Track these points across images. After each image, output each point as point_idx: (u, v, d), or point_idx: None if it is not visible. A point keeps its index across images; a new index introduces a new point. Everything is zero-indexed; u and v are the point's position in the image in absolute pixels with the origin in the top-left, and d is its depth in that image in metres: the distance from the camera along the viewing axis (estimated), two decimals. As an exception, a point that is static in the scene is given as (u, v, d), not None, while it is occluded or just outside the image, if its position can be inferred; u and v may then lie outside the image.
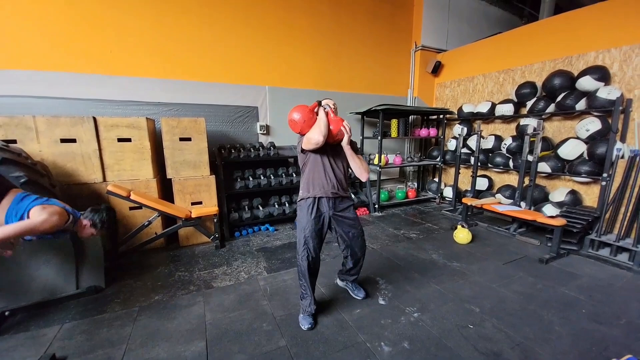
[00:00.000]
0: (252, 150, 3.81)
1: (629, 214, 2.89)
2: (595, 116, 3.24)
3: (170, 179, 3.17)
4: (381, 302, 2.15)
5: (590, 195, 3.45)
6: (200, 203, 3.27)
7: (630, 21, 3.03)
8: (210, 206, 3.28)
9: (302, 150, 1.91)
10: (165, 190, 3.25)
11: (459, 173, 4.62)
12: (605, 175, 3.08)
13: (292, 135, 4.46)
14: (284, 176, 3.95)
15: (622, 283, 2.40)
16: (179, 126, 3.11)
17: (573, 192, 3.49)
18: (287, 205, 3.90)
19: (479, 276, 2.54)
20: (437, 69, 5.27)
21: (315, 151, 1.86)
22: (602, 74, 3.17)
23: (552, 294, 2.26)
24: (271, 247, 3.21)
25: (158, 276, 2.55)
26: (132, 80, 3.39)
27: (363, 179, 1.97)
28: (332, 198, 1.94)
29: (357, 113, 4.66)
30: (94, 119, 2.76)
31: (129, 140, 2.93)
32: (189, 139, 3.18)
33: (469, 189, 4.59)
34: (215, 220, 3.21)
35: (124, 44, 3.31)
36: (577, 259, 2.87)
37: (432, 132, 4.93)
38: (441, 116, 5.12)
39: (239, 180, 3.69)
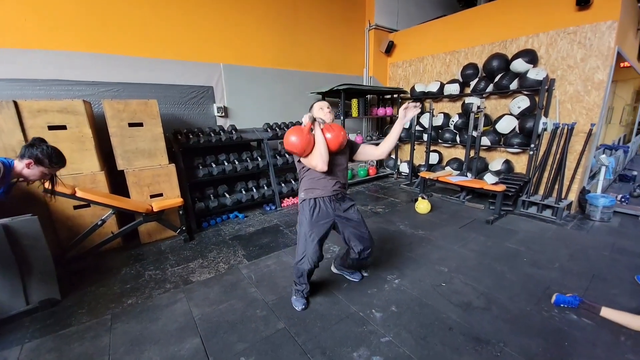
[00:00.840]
0: (213, 135, 3.55)
1: (551, 177, 3.50)
2: (526, 95, 3.75)
3: (122, 171, 2.80)
4: (364, 273, 2.30)
5: (520, 163, 4.05)
6: (161, 195, 2.98)
7: (555, 8, 3.49)
8: (173, 198, 3.02)
9: (300, 160, 1.86)
10: (117, 183, 2.88)
11: (414, 149, 4.99)
12: (532, 145, 3.64)
13: (253, 118, 4.28)
14: (249, 161, 3.79)
15: (550, 234, 2.95)
16: (127, 110, 2.72)
17: (507, 162, 4.07)
18: (254, 190, 3.79)
19: (441, 240, 2.86)
20: (390, 48, 5.44)
21: None
22: (532, 57, 3.65)
23: (500, 248, 2.67)
24: (245, 234, 3.12)
25: (125, 278, 2.31)
26: (56, 55, 2.82)
27: (382, 158, 1.99)
28: (335, 198, 1.87)
29: (318, 93, 4.62)
30: (15, 103, 2.25)
31: (63, 127, 2.49)
32: (140, 124, 2.81)
33: (423, 163, 5.01)
34: (180, 212, 2.98)
35: (44, 10, 2.70)
36: (514, 218, 3.41)
37: (389, 110, 5.18)
38: (396, 95, 5.38)
39: (200, 167, 3.44)
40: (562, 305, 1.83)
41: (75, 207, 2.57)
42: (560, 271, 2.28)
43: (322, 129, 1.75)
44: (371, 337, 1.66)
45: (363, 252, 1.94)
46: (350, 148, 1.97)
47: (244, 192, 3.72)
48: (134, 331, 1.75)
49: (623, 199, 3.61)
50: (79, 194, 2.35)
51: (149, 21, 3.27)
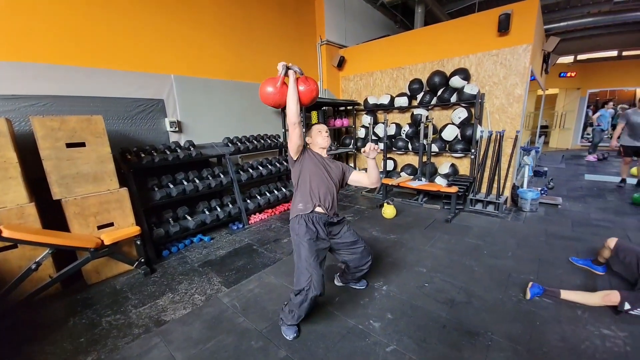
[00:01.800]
0: (169, 152, 3.22)
1: (489, 177, 4.04)
2: (464, 107, 4.30)
3: (59, 200, 2.34)
4: (352, 285, 2.31)
5: (463, 166, 4.59)
6: (112, 225, 2.56)
7: (481, 34, 4.10)
8: (126, 226, 2.62)
9: (296, 159, 1.83)
10: (51, 216, 2.38)
11: (371, 158, 5.26)
12: (473, 150, 4.16)
13: (210, 132, 4.02)
14: (210, 178, 3.53)
15: (497, 227, 3.38)
16: (64, 128, 2.30)
17: (453, 165, 4.57)
18: (219, 209, 3.53)
19: (412, 242, 3.05)
20: (341, 63, 5.71)
21: (310, 160, 1.84)
22: (466, 75, 4.21)
23: (463, 244, 2.96)
24: (216, 258, 2.87)
25: (75, 331, 1.91)
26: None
27: (375, 186, 1.97)
28: (328, 222, 1.84)
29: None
30: None
31: (-25, 152, 1.99)
32: (81, 144, 2.40)
33: (380, 170, 5.30)
34: (138, 242, 2.60)
35: None
36: (466, 215, 3.83)
37: (345, 122, 5.39)
38: (350, 107, 5.64)
39: (156, 189, 3.07)
40: (535, 297, 2.08)
41: (-4, 250, 2.05)
42: (514, 259, 2.63)
43: (296, 79, 1.71)
44: (376, 348, 1.67)
45: (361, 267, 2.00)
46: (343, 173, 1.96)
47: (207, 212, 3.43)
48: (105, 394, 1.45)
49: (542, 192, 4.35)
50: (5, 233, 1.88)
51: (84, 26, 2.85)
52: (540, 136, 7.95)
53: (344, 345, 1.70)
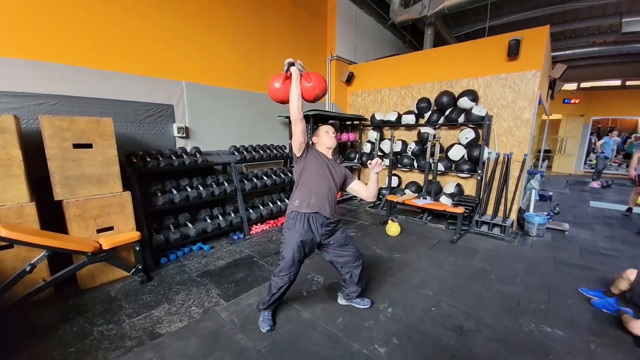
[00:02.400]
0: (175, 158, 3.20)
1: (495, 199, 3.99)
2: (471, 127, 4.30)
3: (60, 201, 2.29)
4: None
5: (469, 187, 4.55)
6: (112, 229, 2.50)
7: (490, 58, 4.16)
8: (126, 231, 2.56)
9: (299, 155, 1.87)
10: (50, 217, 2.32)
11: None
12: (479, 171, 4.13)
13: (216, 140, 4.01)
14: (214, 186, 3.48)
15: (504, 250, 3.31)
16: (72, 128, 2.28)
17: (458, 185, 4.53)
18: (220, 218, 3.46)
19: (418, 263, 2.97)
20: (350, 78, 5.77)
21: (314, 158, 1.87)
22: (474, 96, 4.24)
23: (469, 267, 2.88)
24: (215, 269, 2.79)
25: (65, 339, 1.81)
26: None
27: (370, 200, 2.03)
28: (325, 224, 1.85)
29: (286, 117, 4.58)
30: None
31: (-19, 148, 1.95)
32: (88, 146, 2.37)
33: (384, 186, 5.27)
34: (137, 248, 2.53)
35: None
36: (471, 236, 3.76)
37: (352, 136, 5.40)
38: (357, 122, 5.66)
39: (160, 194, 3.02)
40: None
41: (-10, 250, 1.99)
42: (523, 286, 2.54)
43: (301, 75, 1.76)
44: (382, 376, 1.58)
45: (349, 271, 2.01)
46: (345, 177, 2.02)
47: (209, 220, 3.37)
48: (92, 413, 1.35)
49: (548, 216, 4.30)
50: (2, 232, 1.82)
51: (102, 28, 2.88)
52: (543, 160, 7.96)
53: (348, 371, 1.61)
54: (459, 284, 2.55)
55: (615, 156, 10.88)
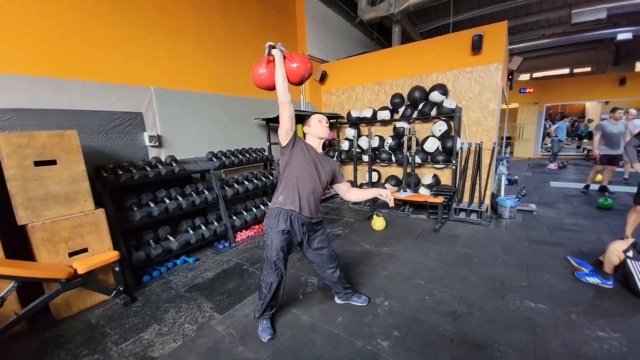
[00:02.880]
0: (149, 168, 3.02)
1: (470, 187, 4.21)
2: (443, 120, 4.49)
3: (25, 226, 2.07)
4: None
5: (445, 177, 4.76)
6: (86, 250, 2.31)
7: (456, 53, 4.36)
8: (102, 251, 2.37)
9: (285, 146, 1.74)
10: (13, 244, 2.09)
11: (356, 170, 5.31)
12: (454, 162, 4.34)
13: (191, 147, 3.84)
14: (194, 195, 3.34)
15: (482, 234, 3.50)
16: (32, 144, 2.07)
17: (435, 176, 4.71)
18: (203, 228, 3.33)
19: (405, 254, 3.05)
20: (323, 77, 5.79)
21: (301, 153, 1.76)
22: (444, 90, 4.43)
23: (454, 254, 3.02)
24: (204, 282, 2.67)
25: (45, 378, 1.65)
26: None
27: (352, 200, 2.07)
28: (307, 223, 1.83)
29: (263, 119, 4.50)
30: None
31: None
32: (52, 162, 2.17)
33: (365, 182, 5.36)
34: (116, 269, 2.36)
35: None
36: (451, 224, 3.93)
37: (331, 134, 5.41)
38: (333, 120, 5.69)
39: (135, 208, 2.84)
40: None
41: (-57, 288, 1.75)
42: (504, 266, 2.71)
43: (284, 57, 1.71)
44: (388, 370, 1.61)
45: (326, 270, 2.01)
46: (333, 175, 1.96)
47: (191, 231, 3.22)
48: None
49: (517, 199, 4.61)
50: (-42, 268, 1.61)
51: (55, 34, 2.64)
52: (506, 146, 8.52)
53: (355, 370, 1.62)
54: (446, 271, 2.66)
55: (566, 139, 11.93)
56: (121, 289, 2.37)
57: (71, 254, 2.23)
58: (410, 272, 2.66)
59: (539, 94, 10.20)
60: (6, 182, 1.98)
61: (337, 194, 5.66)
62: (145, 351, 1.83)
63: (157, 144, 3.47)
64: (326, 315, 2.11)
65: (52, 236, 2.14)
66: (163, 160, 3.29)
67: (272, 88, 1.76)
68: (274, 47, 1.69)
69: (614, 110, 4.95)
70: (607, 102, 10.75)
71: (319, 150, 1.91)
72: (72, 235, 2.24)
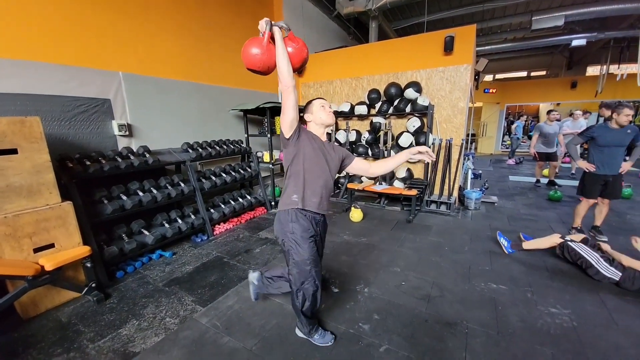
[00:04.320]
0: (120, 159, 2.86)
1: (440, 180, 4.49)
2: (417, 116, 4.70)
3: (-20, 220, 1.89)
4: (335, 290, 2.34)
5: (417, 170, 5.00)
6: (52, 246, 2.16)
7: (429, 53, 4.55)
8: (71, 247, 2.23)
9: (289, 137, 1.52)
10: (-33, 240, 1.91)
11: (333, 163, 5.40)
12: (426, 156, 4.57)
13: (164, 137, 3.68)
14: (169, 187, 3.22)
15: (451, 224, 3.77)
16: (-13, 131, 1.88)
17: (409, 170, 4.94)
18: (180, 221, 3.24)
19: (383, 244, 3.21)
20: (302, 69, 5.75)
21: (309, 143, 1.56)
22: (418, 87, 4.62)
23: (427, 243, 3.23)
24: (183, 275, 2.62)
25: (15, 380, 1.56)
26: None
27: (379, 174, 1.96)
28: (321, 222, 1.70)
29: (241, 110, 4.40)
30: None
31: None
32: (13, 151, 1.99)
33: (341, 175, 5.47)
34: (88, 265, 2.24)
35: None
36: (424, 215, 4.18)
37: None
38: (311, 113, 5.71)
39: (106, 201, 2.69)
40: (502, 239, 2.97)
41: None
42: (470, 253, 2.96)
43: (283, 37, 1.46)
44: (370, 350, 1.72)
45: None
46: (342, 159, 1.74)
47: (167, 224, 3.12)
48: None
49: (481, 191, 4.99)
50: None
51: (8, 10, 2.38)
52: (471, 143, 9.10)
53: (340, 352, 1.71)
54: (420, 259, 2.85)
55: (523, 137, 13.00)
56: (93, 285, 2.26)
57: (36, 250, 2.08)
58: (388, 261, 2.82)
59: (501, 94, 10.97)
60: (-43, 172, 1.79)
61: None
62: (125, 347, 1.78)
63: (127, 133, 3.28)
64: (310, 303, 2.18)
65: (15, 231, 1.98)
66: (135, 150, 3.13)
67: (266, 71, 1.51)
68: (273, 25, 1.45)
69: (549, 112, 5.53)
70: (558, 104, 11.84)
71: (324, 138, 1.69)
72: (37, 230, 2.08)
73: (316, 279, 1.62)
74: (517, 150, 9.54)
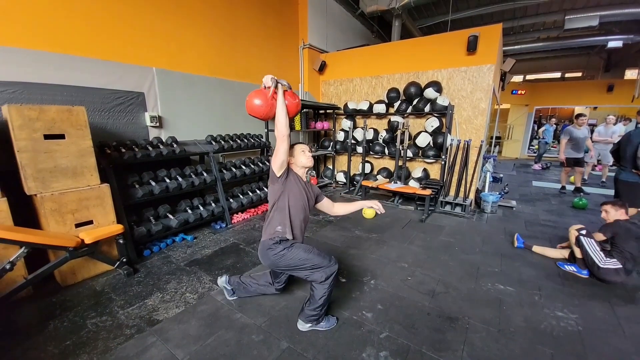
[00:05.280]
0: (151, 148, 3.11)
1: (457, 182, 4.44)
2: (436, 116, 4.68)
3: (33, 196, 2.17)
4: (342, 280, 2.45)
5: (434, 171, 4.98)
6: (91, 222, 2.42)
7: (451, 52, 4.50)
8: (106, 224, 2.49)
9: (279, 176, 1.74)
10: (21, 213, 2.20)
11: (350, 160, 5.48)
12: (443, 157, 4.55)
13: (190, 129, 3.92)
14: (193, 176, 3.45)
15: (465, 226, 3.74)
16: (42, 118, 2.15)
17: (425, 170, 4.94)
18: (201, 208, 3.46)
19: (393, 241, 3.27)
20: (322, 67, 5.86)
21: (295, 183, 1.80)
22: (438, 87, 4.60)
23: (437, 242, 3.25)
24: (202, 257, 2.83)
25: (58, 334, 1.80)
26: None
27: (339, 214, 2.18)
28: None
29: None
30: None
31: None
32: (61, 136, 2.25)
33: (357, 172, 5.54)
34: (120, 241, 2.49)
35: None
36: (437, 215, 4.17)
37: (326, 124, 5.54)
38: (330, 110, 5.81)
39: (137, 186, 2.94)
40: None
41: (-42, 250, 1.86)
42: (481, 254, 2.96)
43: (284, 92, 1.71)
44: (371, 336, 1.82)
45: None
46: (316, 197, 2.01)
47: (190, 211, 3.35)
48: (105, 395, 1.41)
49: (500, 195, 4.88)
50: (-24, 231, 1.72)
51: (61, 9, 2.66)
52: (495, 146, 8.82)
53: (342, 334, 1.82)
54: (429, 256, 2.89)
55: (553, 141, 12.37)
56: (124, 260, 2.51)
57: (77, 225, 2.35)
58: (396, 256, 2.88)
59: (530, 96, 10.50)
60: (16, 153, 2.07)
61: (330, 183, 5.84)
62: (150, 315, 1.99)
63: (157, 124, 3.54)
64: (317, 290, 2.30)
65: (60, 207, 2.25)
66: (164, 140, 3.38)
67: (264, 119, 1.80)
68: (277, 82, 1.71)
69: (577, 116, 5.27)
70: (595, 108, 11.15)
71: (304, 178, 1.93)
72: (79, 208, 2.35)
73: (334, 261, 1.79)
74: (544, 155, 9.11)
